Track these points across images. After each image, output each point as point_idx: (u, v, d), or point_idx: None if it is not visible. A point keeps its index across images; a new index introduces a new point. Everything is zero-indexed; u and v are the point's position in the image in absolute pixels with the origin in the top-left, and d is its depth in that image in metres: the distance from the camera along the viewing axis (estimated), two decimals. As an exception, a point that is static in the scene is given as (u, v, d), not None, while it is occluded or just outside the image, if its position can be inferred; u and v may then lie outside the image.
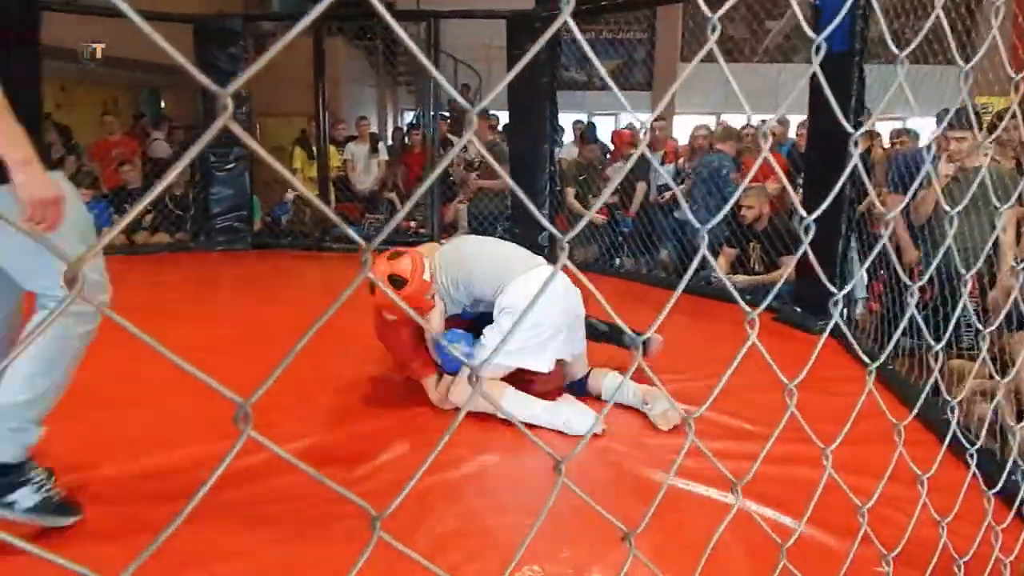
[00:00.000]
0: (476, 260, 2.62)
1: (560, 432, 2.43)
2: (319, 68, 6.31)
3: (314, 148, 6.88)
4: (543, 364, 2.48)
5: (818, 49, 0.80)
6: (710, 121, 6.96)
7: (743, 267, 4.62)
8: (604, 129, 7.76)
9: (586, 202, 5.76)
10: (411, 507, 1.91)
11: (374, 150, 7.42)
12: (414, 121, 9.68)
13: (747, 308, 0.80)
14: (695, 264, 0.80)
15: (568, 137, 7.49)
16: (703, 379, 2.93)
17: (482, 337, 2.54)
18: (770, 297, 0.97)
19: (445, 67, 9.60)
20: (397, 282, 2.40)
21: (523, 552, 1.70)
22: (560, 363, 2.64)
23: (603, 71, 0.66)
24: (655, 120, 5.67)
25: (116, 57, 6.62)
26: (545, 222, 0.63)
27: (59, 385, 1.73)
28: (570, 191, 5.92)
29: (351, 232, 0.55)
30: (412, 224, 7.05)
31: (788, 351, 2.88)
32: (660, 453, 2.30)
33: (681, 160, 5.75)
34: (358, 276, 0.49)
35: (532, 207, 0.64)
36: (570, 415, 2.44)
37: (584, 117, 9.32)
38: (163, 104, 10.57)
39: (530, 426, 2.38)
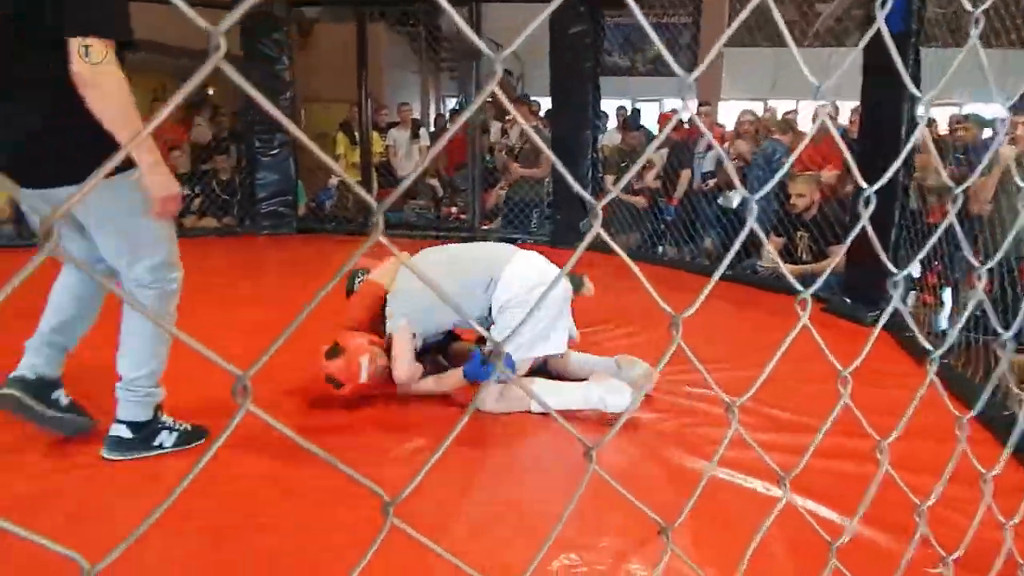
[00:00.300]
0: (459, 268, 2.57)
1: (599, 411, 2.40)
2: (361, 54, 6.33)
3: (356, 134, 6.93)
4: (559, 345, 2.49)
5: (873, 23, 0.76)
6: (757, 107, 6.81)
7: (790, 256, 4.52)
8: (648, 116, 7.65)
9: (628, 189, 5.69)
10: (446, 494, 1.91)
11: (415, 136, 7.44)
12: (456, 107, 9.69)
13: (799, 287, 0.76)
14: (737, 244, 0.77)
15: (611, 123, 7.40)
16: (746, 368, 2.87)
17: (494, 336, 2.50)
18: (822, 279, 0.93)
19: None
20: (334, 383, 2.44)
21: (561, 540, 1.69)
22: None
23: (662, 49, 0.63)
24: (700, 106, 5.56)
25: (164, 44, 6.73)
26: (584, 193, 0.61)
27: (164, 354, 2.07)
28: (610, 178, 5.85)
29: (362, 192, 0.53)
30: (453, 210, 7.06)
31: (837, 342, 2.78)
32: (699, 442, 2.26)
33: (726, 145, 5.64)
34: (367, 241, 0.49)
35: (572, 181, 0.61)
36: (603, 393, 2.40)
37: (627, 103, 9.21)
38: (210, 91, 10.75)
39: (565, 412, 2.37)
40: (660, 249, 5.65)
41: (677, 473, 2.08)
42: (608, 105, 6.78)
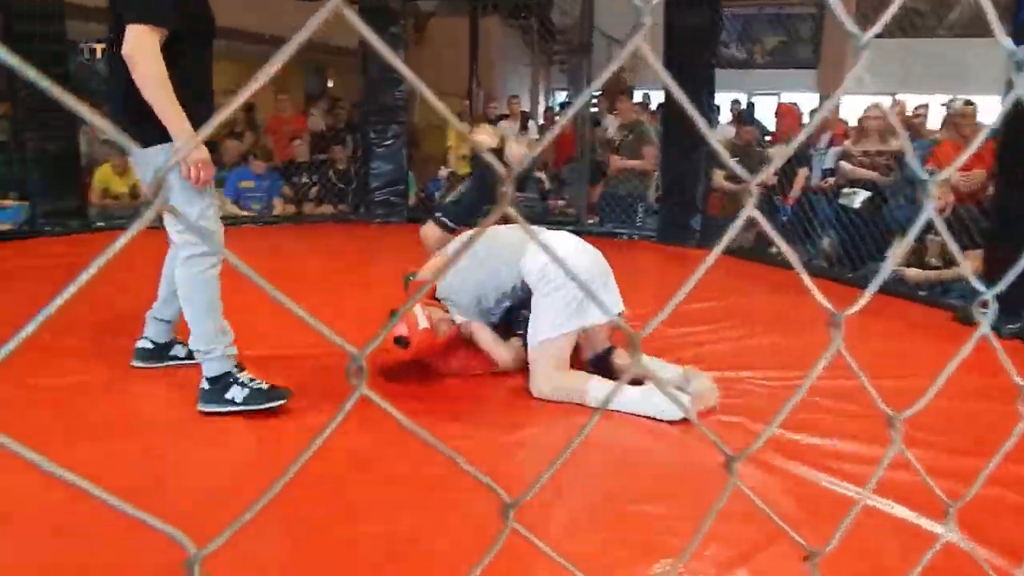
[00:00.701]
0: (488, 252, 2.58)
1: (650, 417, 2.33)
2: (473, 48, 6.40)
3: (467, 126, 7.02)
4: (598, 315, 2.44)
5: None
6: (884, 101, 6.41)
7: (918, 261, 4.23)
8: (764, 110, 7.36)
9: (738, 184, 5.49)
10: (540, 492, 1.90)
11: (524, 129, 7.47)
12: (566, 100, 9.65)
13: (981, 287, 0.69)
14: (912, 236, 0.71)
15: (724, 117, 7.17)
16: (883, 378, 2.71)
17: (532, 316, 2.51)
18: (998, 284, 0.85)
19: (598, 46, 9.46)
20: (400, 342, 2.47)
21: (665, 546, 1.65)
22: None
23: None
24: (823, 100, 5.28)
25: (286, 39, 7.05)
26: (738, 169, 0.58)
27: (213, 305, 2.29)
28: (720, 173, 5.67)
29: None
30: (560, 203, 7.05)
31: (970, 356, 2.60)
32: (810, 453, 2.15)
33: (848, 142, 5.33)
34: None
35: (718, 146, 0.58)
36: (661, 400, 2.30)
37: (743, 97, 8.89)
38: (330, 83, 11.19)
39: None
40: (773, 249, 5.43)
41: (792, 484, 1.99)
42: (722, 99, 6.57)
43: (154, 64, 2.06)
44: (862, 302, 0.59)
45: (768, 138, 6.20)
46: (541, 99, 11.91)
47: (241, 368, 2.34)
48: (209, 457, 2.11)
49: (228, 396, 2.28)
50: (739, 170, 0.58)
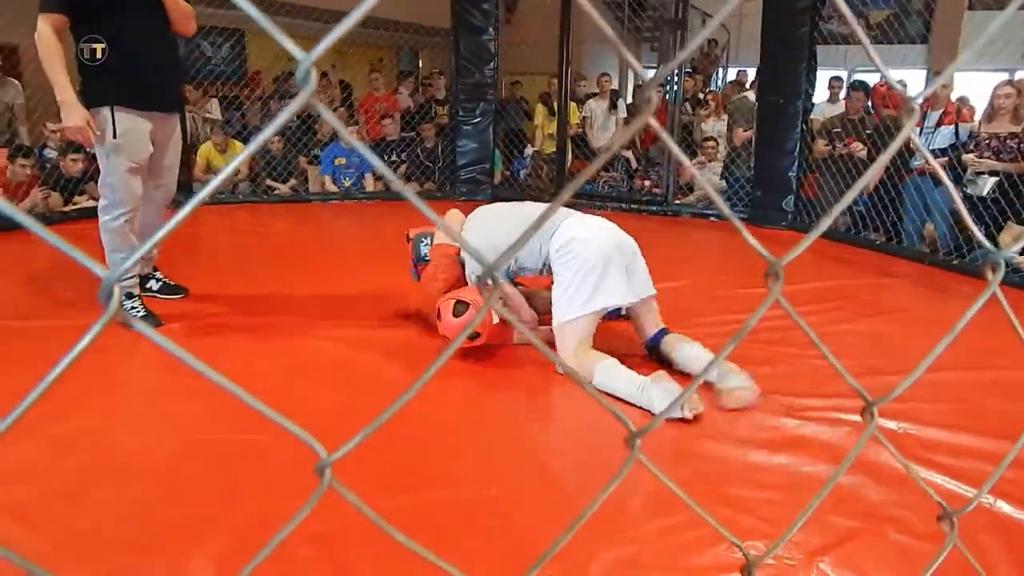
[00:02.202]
0: (521, 220, 2.60)
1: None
2: (565, 26, 6.34)
3: (554, 104, 6.97)
4: (619, 297, 2.46)
5: None
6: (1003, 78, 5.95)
7: (1033, 247, 3.96)
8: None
9: (834, 155, 5.23)
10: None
11: (613, 107, 7.36)
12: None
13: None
14: None
15: (821, 96, 6.85)
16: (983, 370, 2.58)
17: (554, 293, 2.53)
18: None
19: (692, 23, 9.20)
20: (471, 336, 2.43)
21: (753, 529, 1.63)
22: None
23: None
24: (935, 75, 4.97)
25: (382, 19, 7.18)
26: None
27: (115, 247, 2.83)
28: (820, 142, 5.43)
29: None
30: (646, 184, 6.94)
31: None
32: (906, 440, 2.06)
33: (977, 124, 4.96)
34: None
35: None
36: (655, 395, 2.21)
37: (843, 74, 8.47)
38: (420, 63, 11.33)
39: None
40: (871, 236, 5.19)
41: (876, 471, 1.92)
42: (821, 76, 6.26)
43: (43, 45, 2.57)
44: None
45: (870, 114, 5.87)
46: (630, 77, 11.71)
47: (129, 297, 2.90)
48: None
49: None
50: (896, 85, 0.55)
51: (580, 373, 2.40)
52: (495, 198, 6.66)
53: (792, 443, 2.07)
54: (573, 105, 7.01)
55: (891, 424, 2.18)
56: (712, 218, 5.95)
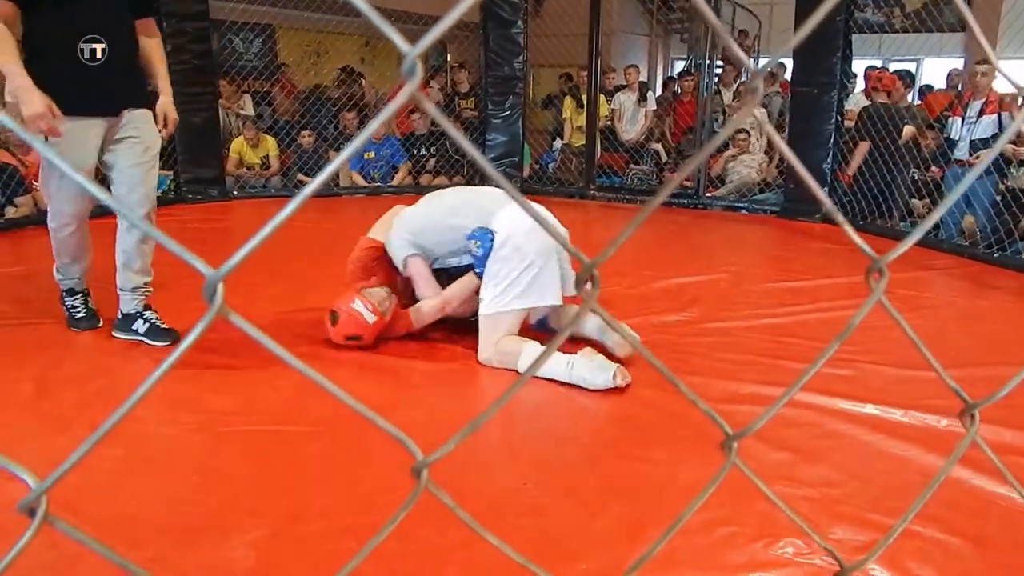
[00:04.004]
0: (452, 210, 2.58)
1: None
2: (595, 18, 6.30)
3: (583, 97, 6.93)
4: (552, 296, 2.45)
5: None
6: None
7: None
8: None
9: (878, 154, 5.14)
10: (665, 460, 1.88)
11: (643, 99, 7.30)
12: (685, 69, 9.36)
13: None
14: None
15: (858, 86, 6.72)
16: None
17: (485, 282, 2.47)
18: None
19: (722, 13, 9.09)
20: (353, 338, 2.58)
21: (787, 527, 1.60)
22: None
23: None
24: (977, 64, 4.86)
25: (411, 13, 7.19)
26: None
27: (64, 253, 2.64)
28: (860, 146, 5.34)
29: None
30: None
31: None
32: (949, 440, 2.02)
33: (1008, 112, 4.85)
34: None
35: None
36: (586, 372, 2.30)
37: (878, 63, 8.31)
38: (448, 57, 11.34)
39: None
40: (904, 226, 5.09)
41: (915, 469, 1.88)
42: (855, 66, 6.15)
43: None
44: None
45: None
46: (659, 69, 11.60)
47: (71, 294, 2.76)
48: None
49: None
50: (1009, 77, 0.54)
51: (504, 359, 2.45)
52: (524, 192, 6.65)
53: (829, 440, 2.04)
54: (602, 97, 6.97)
55: (943, 422, 2.13)
56: (743, 211, 5.88)
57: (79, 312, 2.78)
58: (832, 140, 5.28)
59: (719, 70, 7.17)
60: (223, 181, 6.07)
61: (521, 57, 6.42)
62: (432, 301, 2.64)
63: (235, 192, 6.11)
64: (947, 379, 0.58)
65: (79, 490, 1.67)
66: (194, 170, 5.83)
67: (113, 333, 2.72)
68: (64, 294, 2.78)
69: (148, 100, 2.67)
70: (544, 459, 1.93)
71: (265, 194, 6.22)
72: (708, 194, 6.17)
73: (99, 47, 2.44)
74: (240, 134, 6.42)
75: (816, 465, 1.89)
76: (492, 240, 2.44)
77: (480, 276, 2.50)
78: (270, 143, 6.49)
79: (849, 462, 1.91)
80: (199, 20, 5.68)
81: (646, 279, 3.56)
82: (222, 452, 1.92)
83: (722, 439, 0.51)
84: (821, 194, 0.48)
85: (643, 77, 8.82)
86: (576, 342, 2.56)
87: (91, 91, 2.44)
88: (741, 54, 0.44)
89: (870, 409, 2.21)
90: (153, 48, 2.68)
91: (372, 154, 6.53)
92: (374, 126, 0.40)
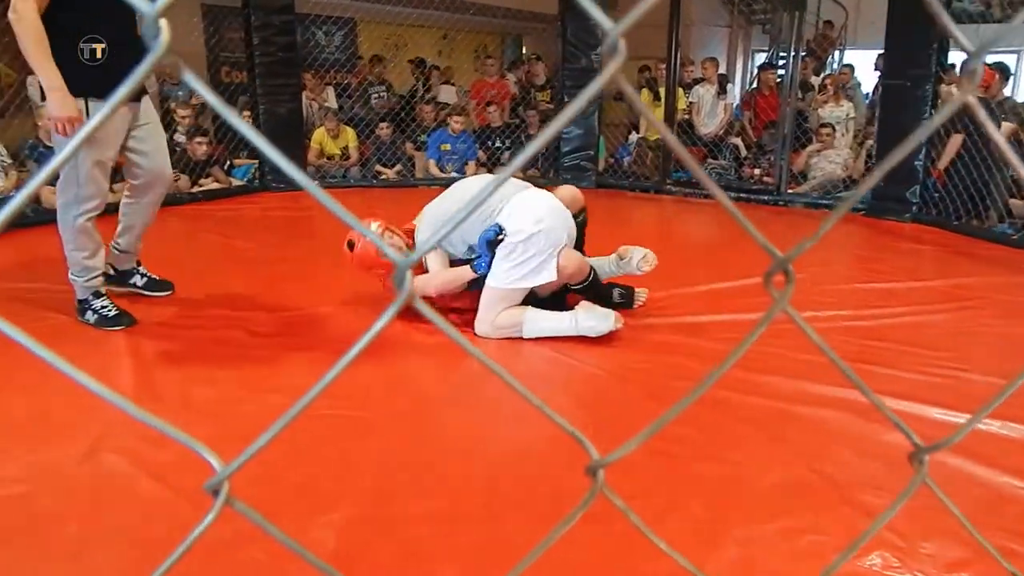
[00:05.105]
0: (460, 200, 2.72)
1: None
2: (674, 9, 6.18)
3: (660, 90, 6.82)
4: (551, 275, 2.59)
5: None
6: None
7: None
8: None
9: (975, 150, 4.87)
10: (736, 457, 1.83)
11: (722, 92, 7.13)
12: (766, 62, 9.10)
13: None
14: None
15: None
16: None
17: (495, 264, 2.58)
18: None
19: (808, 2, 8.77)
20: (350, 244, 2.80)
21: (870, 538, 1.54)
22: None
23: None
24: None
25: (488, 5, 7.23)
26: None
27: (80, 246, 2.65)
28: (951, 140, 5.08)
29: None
30: (756, 172, 6.69)
31: None
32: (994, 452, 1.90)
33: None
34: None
35: None
36: (586, 320, 2.58)
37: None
38: (524, 49, 11.34)
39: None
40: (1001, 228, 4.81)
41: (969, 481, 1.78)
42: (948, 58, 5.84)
43: (26, 26, 2.32)
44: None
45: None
46: (739, 61, 11.30)
47: (98, 296, 2.75)
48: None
49: (84, 318, 2.75)
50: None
51: (503, 332, 2.63)
52: (599, 186, 6.60)
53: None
54: (680, 90, 6.84)
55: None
56: (826, 208, 5.68)
57: (111, 311, 2.75)
58: (927, 137, 5.04)
59: (803, 62, 6.92)
60: (304, 170, 6.24)
61: (599, 49, 6.36)
62: (420, 277, 2.78)
63: (316, 182, 6.27)
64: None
65: (176, 464, 1.75)
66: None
67: (108, 286, 2.91)
68: (90, 298, 2.76)
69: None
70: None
71: (344, 184, 6.36)
72: (789, 190, 5.99)
73: (119, 38, 2.57)
74: (321, 125, 6.58)
75: (907, 476, 1.81)
76: (498, 233, 2.57)
77: (477, 269, 2.64)
78: (350, 134, 6.63)
79: (943, 474, 1.82)
80: (285, 13, 5.85)
81: (720, 276, 3.47)
82: (306, 434, 1.98)
83: (910, 451, 0.49)
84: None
85: (722, 69, 8.61)
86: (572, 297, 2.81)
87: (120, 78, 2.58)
88: (961, 37, 0.41)
89: (965, 420, 2.10)
90: None
91: (448, 146, 6.59)
92: (576, 108, 0.39)
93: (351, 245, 2.83)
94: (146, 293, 3.07)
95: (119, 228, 2.93)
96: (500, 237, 2.56)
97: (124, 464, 1.78)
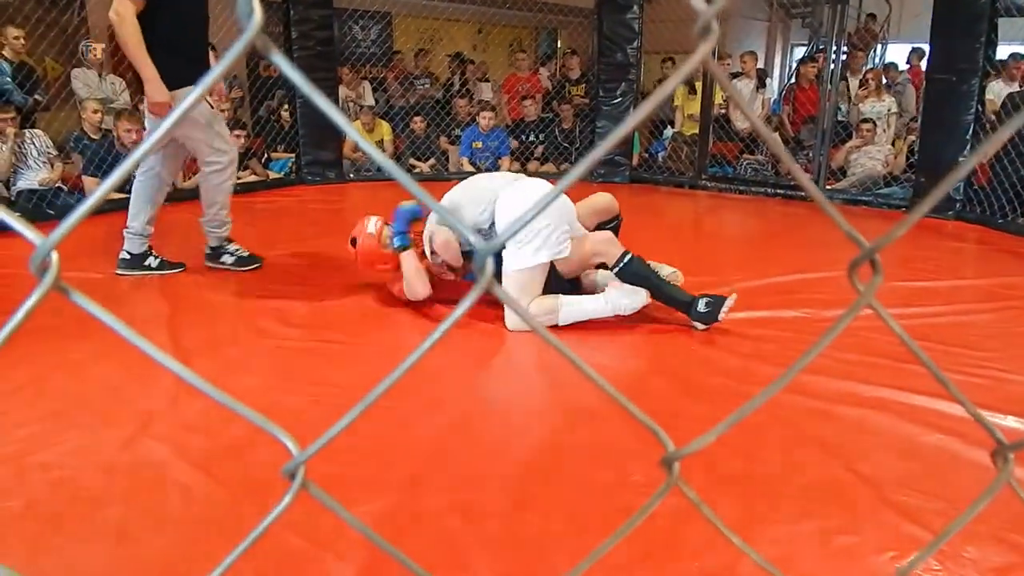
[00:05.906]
0: (463, 195, 2.79)
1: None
2: (712, 2, 6.10)
3: (695, 84, 6.74)
4: (565, 246, 2.63)
5: None
6: None
7: None
8: None
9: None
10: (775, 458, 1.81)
11: (761, 86, 7.03)
12: (807, 55, 8.95)
13: None
14: None
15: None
16: None
17: (505, 252, 2.57)
18: None
19: (851, -6, 8.58)
20: (353, 241, 2.91)
21: (912, 539, 1.51)
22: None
23: None
24: None
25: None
26: None
27: (154, 203, 3.24)
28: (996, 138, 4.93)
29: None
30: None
31: None
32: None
33: None
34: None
35: None
36: (618, 297, 2.65)
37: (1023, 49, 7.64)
38: (559, 43, 11.29)
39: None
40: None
41: None
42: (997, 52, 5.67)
43: (128, 28, 2.75)
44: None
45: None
46: (777, 55, 11.12)
47: (230, 241, 3.38)
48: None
49: (221, 261, 3.37)
50: None
51: (544, 320, 2.60)
52: (633, 180, 6.55)
53: (963, 453, 1.90)
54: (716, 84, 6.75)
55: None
56: (864, 205, 5.57)
57: (243, 251, 3.37)
58: (971, 131, 4.90)
59: (844, 56, 6.79)
60: (340, 164, 6.30)
61: (635, 43, 6.31)
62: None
63: (351, 175, 6.35)
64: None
65: (211, 451, 1.78)
66: (314, 152, 6.09)
67: (206, 263, 3.39)
68: (225, 243, 3.38)
69: None
70: (650, 454, 1.90)
71: (378, 177, 6.41)
72: (828, 186, 5.88)
73: (199, 39, 3.11)
74: (357, 119, 6.64)
75: (947, 478, 1.77)
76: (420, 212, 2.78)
77: (471, 258, 2.64)
78: (384, 128, 6.68)
79: (986, 477, 1.78)
80: (323, 8, 5.90)
81: (758, 273, 3.43)
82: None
83: (994, 448, 0.48)
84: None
85: (760, 63, 8.47)
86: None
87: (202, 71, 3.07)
88: None
89: (1011, 422, 2.05)
90: None
91: (480, 144, 6.60)
92: (664, 93, 0.38)
93: (354, 242, 2.90)
94: (234, 269, 3.40)
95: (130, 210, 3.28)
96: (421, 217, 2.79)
97: (165, 451, 1.82)
